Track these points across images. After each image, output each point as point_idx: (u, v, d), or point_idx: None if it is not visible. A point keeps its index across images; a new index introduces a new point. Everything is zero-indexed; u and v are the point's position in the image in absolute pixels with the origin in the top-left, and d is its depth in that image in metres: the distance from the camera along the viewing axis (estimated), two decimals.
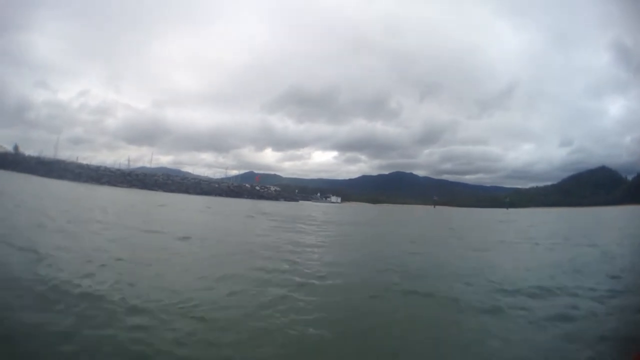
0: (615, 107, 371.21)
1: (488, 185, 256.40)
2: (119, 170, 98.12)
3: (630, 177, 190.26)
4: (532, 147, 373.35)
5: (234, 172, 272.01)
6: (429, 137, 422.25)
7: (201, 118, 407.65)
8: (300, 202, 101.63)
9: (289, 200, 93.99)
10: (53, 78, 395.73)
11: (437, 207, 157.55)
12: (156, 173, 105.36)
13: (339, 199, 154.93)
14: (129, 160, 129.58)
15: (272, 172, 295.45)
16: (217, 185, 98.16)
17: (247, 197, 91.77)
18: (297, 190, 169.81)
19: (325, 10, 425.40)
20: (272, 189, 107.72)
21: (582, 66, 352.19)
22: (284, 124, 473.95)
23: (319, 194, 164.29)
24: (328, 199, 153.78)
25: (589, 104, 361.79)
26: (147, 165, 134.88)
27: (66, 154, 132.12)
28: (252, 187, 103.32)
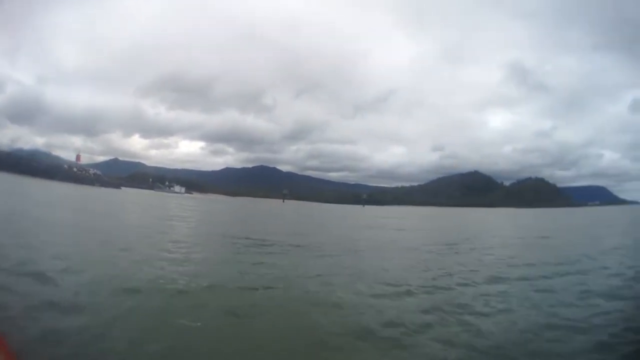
0: (498, 119, 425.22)
1: (352, 182, 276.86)
2: None
3: (508, 183, 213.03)
4: (402, 150, 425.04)
5: (101, 159, 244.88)
6: (299, 134, 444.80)
7: (77, 98, 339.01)
8: (124, 189, 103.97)
9: (106, 186, 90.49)
10: None
11: (287, 201, 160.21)
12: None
13: (183, 189, 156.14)
14: None
15: (137, 160, 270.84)
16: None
17: (60, 180, 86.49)
18: (151, 179, 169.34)
19: None
20: (91, 172, 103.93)
21: (471, 81, 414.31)
22: (156, 110, 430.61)
23: (167, 183, 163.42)
24: (172, 188, 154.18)
25: (471, 115, 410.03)
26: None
27: None
28: (69, 168, 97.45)
